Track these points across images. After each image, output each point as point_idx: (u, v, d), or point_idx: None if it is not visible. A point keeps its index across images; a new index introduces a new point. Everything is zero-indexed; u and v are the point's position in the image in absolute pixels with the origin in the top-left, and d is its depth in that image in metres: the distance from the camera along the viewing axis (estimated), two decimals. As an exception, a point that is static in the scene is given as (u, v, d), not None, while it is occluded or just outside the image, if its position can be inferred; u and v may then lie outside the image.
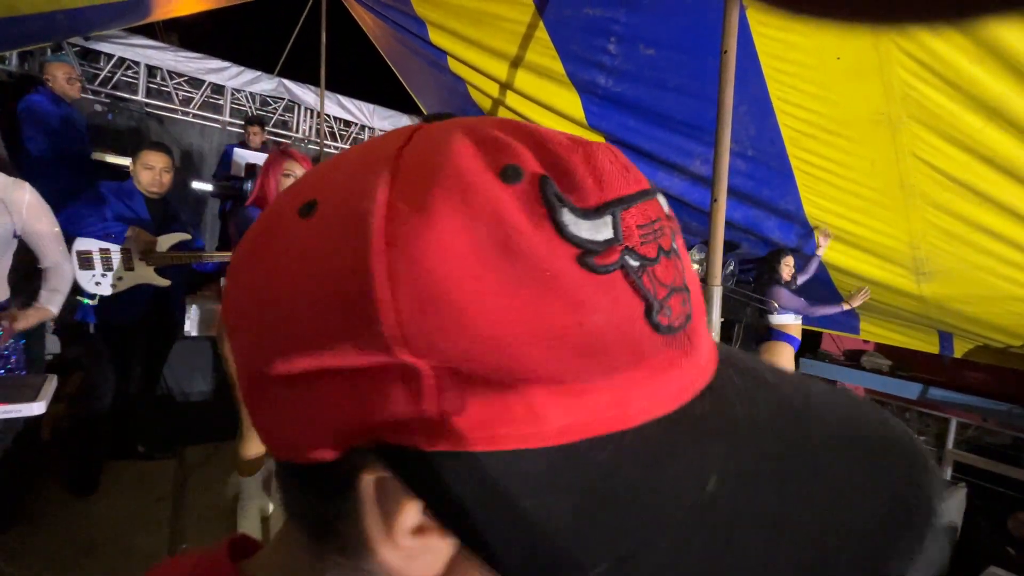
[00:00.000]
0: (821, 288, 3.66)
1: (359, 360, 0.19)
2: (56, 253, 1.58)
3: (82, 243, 2.12)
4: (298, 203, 0.22)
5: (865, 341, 4.22)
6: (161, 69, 4.76)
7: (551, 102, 3.59)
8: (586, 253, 0.20)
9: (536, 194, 0.20)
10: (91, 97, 4.38)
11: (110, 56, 4.48)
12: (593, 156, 0.22)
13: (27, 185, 1.49)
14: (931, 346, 3.87)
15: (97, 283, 2.11)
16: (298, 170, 1.96)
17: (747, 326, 3.82)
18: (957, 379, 3.89)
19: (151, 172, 2.24)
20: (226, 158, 4.06)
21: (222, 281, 3.12)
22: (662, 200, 0.24)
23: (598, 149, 0.22)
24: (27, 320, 1.40)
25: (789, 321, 3.38)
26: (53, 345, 2.51)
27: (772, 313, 3.34)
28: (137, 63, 4.62)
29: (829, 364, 4.22)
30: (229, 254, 2.37)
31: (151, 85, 4.77)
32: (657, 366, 0.21)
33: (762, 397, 0.24)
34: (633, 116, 3.27)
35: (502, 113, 4.25)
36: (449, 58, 3.99)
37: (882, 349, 4.23)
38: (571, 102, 3.47)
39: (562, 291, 0.19)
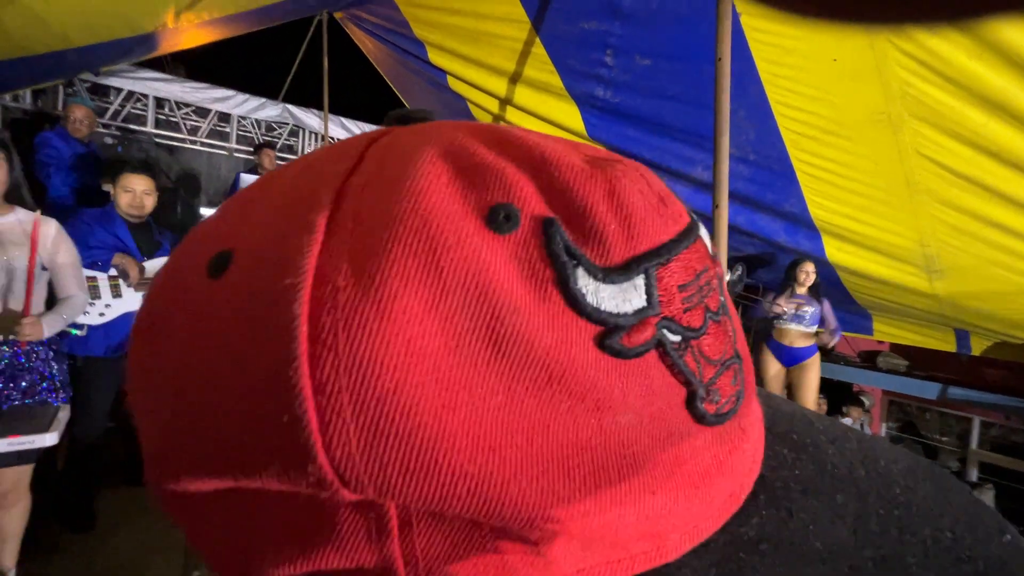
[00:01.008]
0: (832, 290, 3.62)
1: (292, 489, 0.14)
2: (73, 285, 1.62)
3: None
4: (209, 252, 0.17)
5: (879, 341, 4.16)
6: (169, 100, 4.88)
7: (551, 115, 3.62)
8: (609, 332, 0.14)
9: (539, 247, 0.14)
10: (102, 131, 4.50)
11: (119, 90, 4.61)
12: (619, 187, 0.16)
13: (53, 221, 1.55)
14: (948, 344, 3.80)
15: (86, 312, 2.04)
16: None
17: (758, 333, 3.78)
18: (977, 377, 3.81)
19: (130, 195, 2.17)
20: (236, 184, 4.13)
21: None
22: (706, 237, 0.18)
23: (625, 175, 0.17)
24: (22, 333, 1.38)
25: (779, 325, 3.37)
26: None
27: (783, 320, 3.31)
28: (146, 95, 4.74)
29: (844, 366, 4.16)
30: None
31: (159, 116, 4.88)
32: (701, 472, 0.16)
33: (827, 487, 0.19)
34: (633, 126, 3.29)
35: (503, 128, 4.29)
36: (449, 77, 4.05)
37: (898, 349, 4.16)
38: (571, 114, 3.50)
39: (577, 389, 0.14)
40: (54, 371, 1.51)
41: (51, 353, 1.53)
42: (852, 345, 4.44)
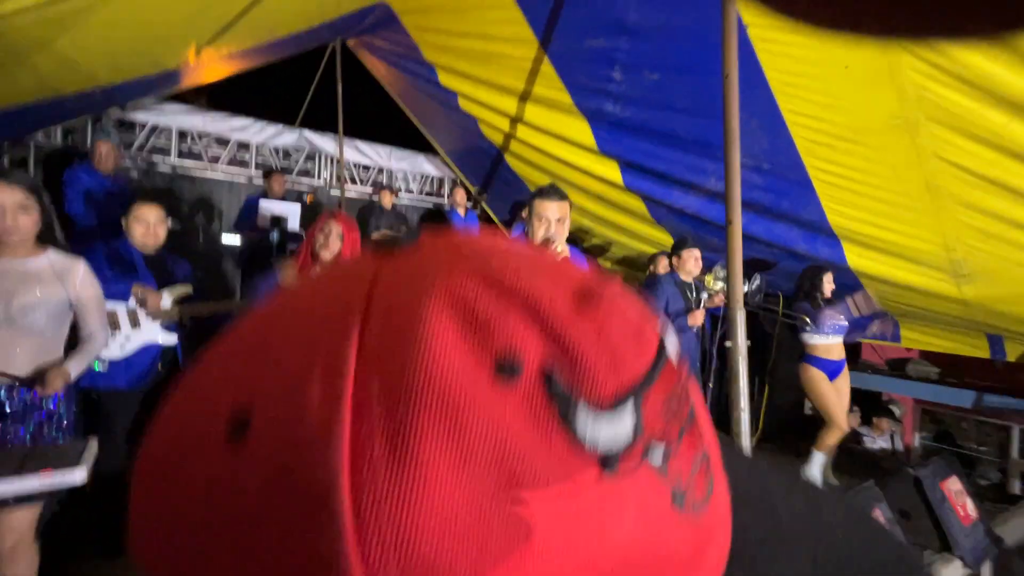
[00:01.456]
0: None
1: None
2: (96, 322, 1.65)
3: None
4: (223, 406, 0.16)
5: (908, 349, 4.04)
6: (191, 131, 5.06)
7: (561, 131, 3.65)
8: (608, 459, 0.16)
9: (542, 392, 0.15)
10: (127, 164, 4.67)
11: (144, 124, 4.79)
12: (604, 328, 0.17)
13: (81, 260, 1.60)
14: (981, 350, 3.67)
15: (106, 345, 1.99)
16: (335, 227, 1.97)
17: (780, 342, 3.70)
18: (1014, 384, 3.65)
19: (144, 226, 2.17)
20: (247, 210, 4.22)
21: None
22: (671, 348, 0.19)
23: (610, 314, 0.18)
24: (53, 385, 1.43)
25: (822, 341, 3.22)
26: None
27: (804, 330, 3.22)
28: (169, 127, 4.92)
29: (872, 375, 4.03)
30: (235, 303, 2.38)
31: (182, 147, 5.05)
32: (685, 560, 0.18)
33: (785, 541, 0.22)
34: (643, 139, 3.29)
35: (513, 146, 4.34)
36: (459, 97, 4.12)
37: (928, 356, 4.03)
38: (581, 130, 3.52)
39: (587, 516, 0.15)
40: (62, 412, 1.52)
41: (61, 395, 1.53)
42: (880, 353, 4.32)
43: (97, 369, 2.05)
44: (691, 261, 3.14)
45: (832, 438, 3.23)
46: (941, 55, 2.05)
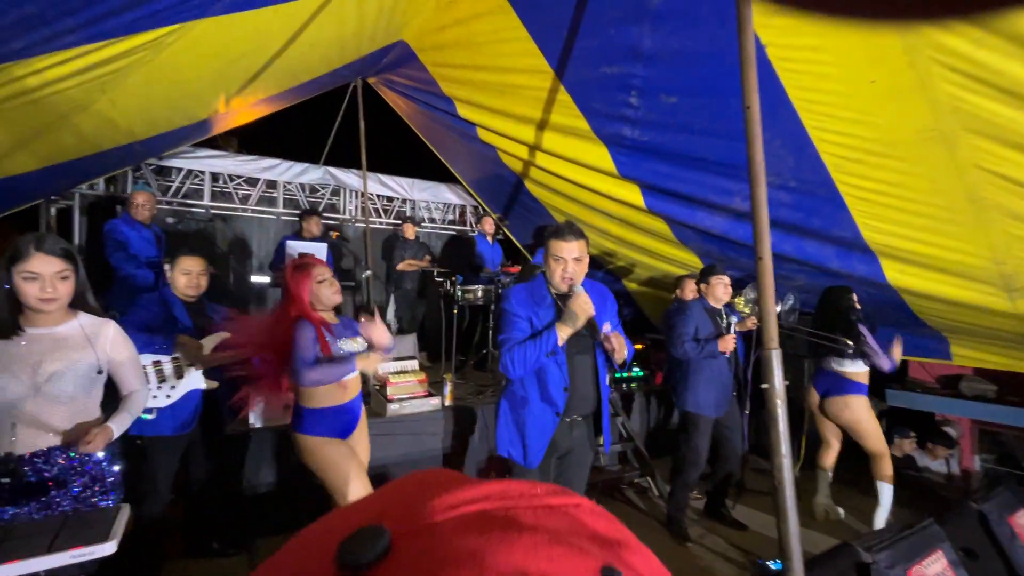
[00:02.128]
0: (897, 314, 3.36)
1: None
2: (135, 381, 1.67)
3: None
4: None
5: (960, 366, 3.80)
6: (222, 174, 5.27)
7: (580, 157, 3.64)
8: None
9: None
10: (164, 207, 4.89)
11: (180, 169, 5.02)
12: None
13: (112, 322, 1.62)
14: (1042, 366, 3.42)
15: (154, 396, 2.16)
16: (327, 272, 2.05)
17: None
18: (1083, 401, 3.38)
19: (188, 276, 2.28)
20: (280, 249, 4.35)
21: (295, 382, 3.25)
22: None
23: None
24: (95, 444, 1.44)
25: (860, 369, 3.08)
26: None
27: (845, 356, 3.06)
28: (202, 172, 5.15)
29: (922, 395, 3.79)
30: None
31: (215, 189, 5.27)
32: None
33: None
34: (664, 162, 3.25)
35: (533, 173, 4.36)
36: (478, 128, 4.18)
37: (983, 372, 3.78)
38: (599, 155, 3.51)
39: None
40: (105, 473, 1.53)
41: (107, 455, 1.55)
42: (929, 371, 4.07)
43: (145, 418, 2.13)
44: (720, 288, 3.04)
45: (888, 464, 3.07)
46: (976, 65, 1.96)
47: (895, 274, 2.98)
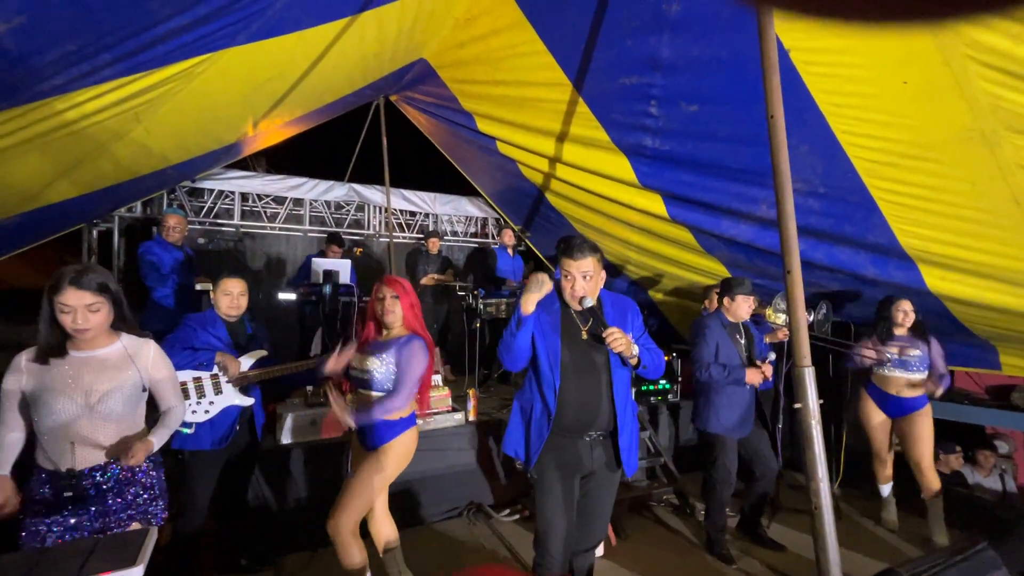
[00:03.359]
0: (941, 322, 3.20)
1: None
2: (172, 397, 1.77)
3: (178, 376, 2.31)
4: None
5: (1010, 376, 3.58)
6: (252, 193, 5.44)
7: (600, 168, 3.61)
8: None
9: None
10: (197, 227, 5.06)
11: (212, 190, 5.21)
12: None
13: (151, 341, 1.72)
14: (1103, 375, 3.20)
15: (193, 412, 2.26)
16: (388, 292, 2.13)
17: (855, 376, 3.38)
18: None
19: (229, 297, 2.39)
20: (305, 267, 4.45)
21: (308, 388, 3.30)
22: None
23: None
24: (137, 457, 1.53)
25: (884, 372, 2.98)
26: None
27: (885, 367, 2.93)
28: (232, 192, 5.32)
29: (971, 406, 3.57)
30: (306, 362, 2.52)
31: (244, 208, 5.44)
32: None
33: None
34: (687, 171, 3.19)
35: (554, 184, 4.35)
36: (498, 142, 4.20)
37: (1036, 382, 3.56)
38: (620, 166, 3.47)
39: None
40: (154, 481, 1.65)
41: (151, 464, 1.67)
42: (977, 381, 3.85)
43: (185, 433, 2.26)
44: (744, 307, 2.87)
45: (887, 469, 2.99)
46: (1016, 62, 1.87)
47: (936, 281, 2.84)
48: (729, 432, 2.83)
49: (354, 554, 2.02)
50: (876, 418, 3.11)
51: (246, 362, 2.42)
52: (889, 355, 2.95)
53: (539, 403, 1.88)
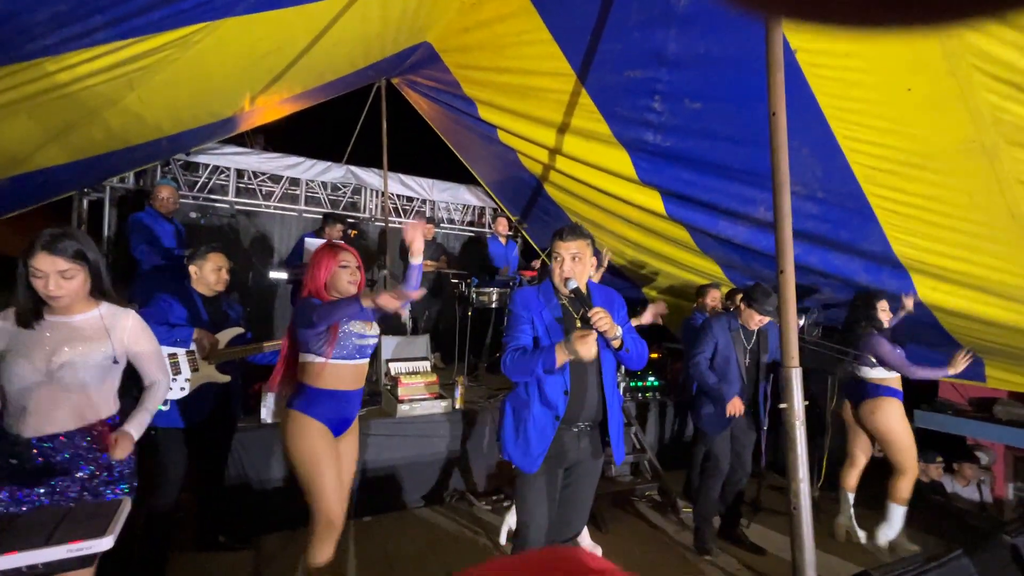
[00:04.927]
0: (927, 332, 3.22)
1: None
2: (155, 371, 1.70)
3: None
4: None
5: (994, 389, 3.62)
6: (247, 170, 5.37)
7: (600, 162, 3.59)
8: None
9: None
10: (191, 202, 4.99)
11: (206, 165, 5.13)
12: None
13: (131, 312, 1.63)
14: (1086, 392, 3.24)
15: (168, 388, 2.12)
16: (352, 261, 1.99)
17: (842, 380, 3.40)
18: None
19: (220, 272, 2.35)
20: (299, 246, 4.40)
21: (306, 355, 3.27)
22: None
23: None
24: (122, 452, 1.47)
25: (886, 374, 2.94)
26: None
27: (870, 367, 2.95)
28: (228, 168, 5.25)
29: (953, 416, 3.61)
30: (279, 343, 2.44)
31: (239, 185, 5.37)
32: None
33: None
34: (687, 168, 3.17)
35: (553, 176, 4.32)
36: (499, 131, 4.16)
37: (1020, 396, 3.60)
38: (620, 160, 3.45)
39: None
40: (116, 463, 1.52)
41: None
42: (961, 391, 3.89)
43: (160, 409, 2.14)
44: (754, 319, 2.84)
45: (908, 486, 2.92)
46: (1019, 73, 1.86)
47: (927, 291, 2.85)
48: (724, 427, 2.86)
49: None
50: (906, 421, 2.98)
51: (223, 339, 2.36)
52: (899, 351, 2.91)
53: (540, 404, 1.83)
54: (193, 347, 2.28)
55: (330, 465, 1.87)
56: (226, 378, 2.37)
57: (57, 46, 1.98)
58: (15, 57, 1.95)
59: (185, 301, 2.33)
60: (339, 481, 1.89)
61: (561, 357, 1.69)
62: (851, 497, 3.21)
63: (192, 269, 2.38)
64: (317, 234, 4.57)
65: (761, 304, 2.78)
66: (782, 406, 1.34)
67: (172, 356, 2.24)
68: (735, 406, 2.76)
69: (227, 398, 2.43)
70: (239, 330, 2.43)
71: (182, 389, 2.25)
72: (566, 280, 1.77)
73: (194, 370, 2.29)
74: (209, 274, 2.36)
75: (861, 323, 2.99)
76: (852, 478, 3.19)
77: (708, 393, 2.86)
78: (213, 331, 2.34)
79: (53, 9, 1.78)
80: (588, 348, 1.62)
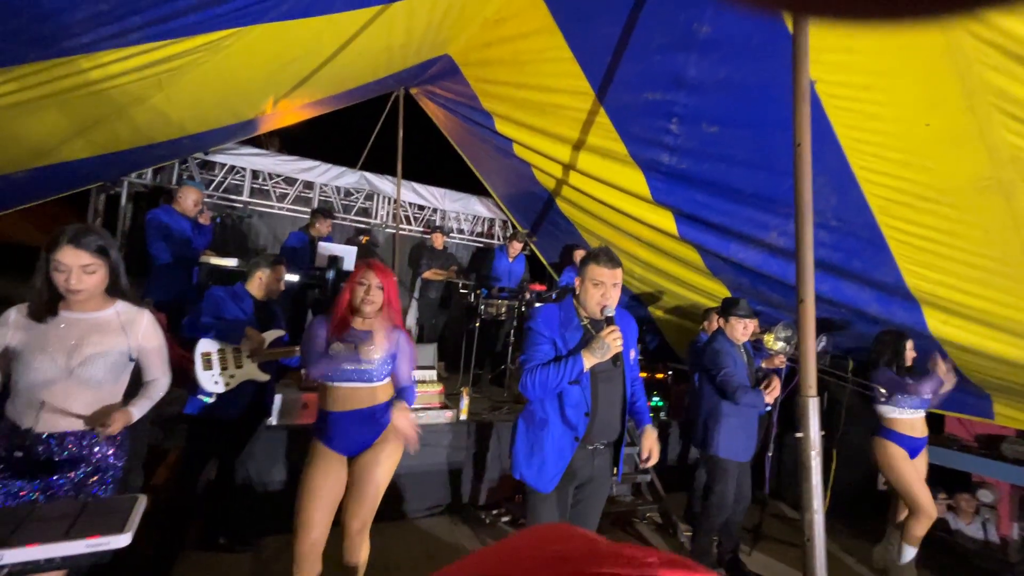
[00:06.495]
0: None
1: None
2: (159, 369, 1.70)
3: (204, 345, 2.31)
4: None
5: (1002, 427, 3.59)
6: (263, 171, 5.43)
7: (614, 180, 3.62)
8: None
9: None
10: (206, 200, 5.04)
11: (223, 165, 5.19)
12: None
13: (146, 311, 1.66)
14: (1095, 434, 3.20)
15: (215, 382, 2.29)
16: (373, 280, 1.96)
17: (849, 408, 3.38)
18: None
19: (279, 283, 2.53)
20: (289, 241, 4.41)
21: (303, 371, 3.28)
22: None
23: None
24: (116, 426, 1.47)
25: (906, 415, 2.88)
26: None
27: (880, 402, 2.91)
28: (244, 168, 5.31)
29: (959, 452, 3.58)
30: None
31: (254, 185, 5.43)
32: None
33: None
34: (700, 191, 3.20)
35: (565, 191, 4.35)
36: (515, 145, 4.20)
37: (1027, 435, 3.56)
38: (635, 179, 3.48)
39: None
40: (110, 467, 1.52)
41: (113, 448, 1.55)
42: (968, 428, 3.86)
43: (206, 401, 2.29)
44: (739, 328, 2.83)
45: (921, 528, 2.86)
46: (1040, 114, 1.88)
47: (938, 324, 2.84)
48: (737, 456, 2.79)
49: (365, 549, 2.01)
50: (910, 467, 2.88)
51: (268, 339, 2.46)
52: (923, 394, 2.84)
53: (559, 424, 1.80)
54: (241, 345, 2.38)
55: (312, 491, 1.87)
56: (266, 376, 2.46)
57: (93, 44, 2.03)
58: (52, 53, 2.00)
59: (239, 300, 2.45)
60: (318, 508, 1.86)
61: (588, 361, 1.70)
62: (899, 534, 3.03)
63: (258, 274, 2.52)
64: (304, 230, 4.56)
65: (738, 309, 2.82)
66: (798, 435, 1.34)
67: (221, 351, 2.35)
68: (773, 392, 2.70)
69: (262, 396, 2.52)
70: (281, 332, 2.54)
71: (227, 384, 2.33)
72: (603, 308, 1.77)
73: (239, 367, 2.37)
74: (274, 282, 2.52)
75: (886, 359, 2.95)
76: (901, 513, 3.08)
77: (745, 401, 2.70)
78: (260, 331, 2.44)
79: (95, 8, 1.82)
80: (616, 339, 1.66)
